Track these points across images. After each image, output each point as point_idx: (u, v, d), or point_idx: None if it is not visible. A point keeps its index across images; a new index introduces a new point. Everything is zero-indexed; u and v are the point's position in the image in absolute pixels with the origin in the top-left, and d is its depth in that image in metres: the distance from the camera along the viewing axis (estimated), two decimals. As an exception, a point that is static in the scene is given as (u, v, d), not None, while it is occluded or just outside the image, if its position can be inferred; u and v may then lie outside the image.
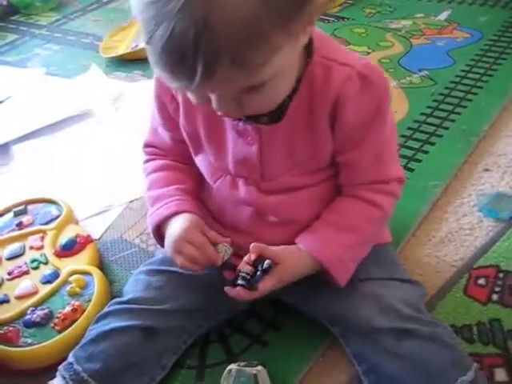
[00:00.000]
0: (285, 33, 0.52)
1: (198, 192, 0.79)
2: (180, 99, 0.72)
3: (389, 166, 0.73)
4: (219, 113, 0.61)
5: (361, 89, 0.64)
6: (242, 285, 0.67)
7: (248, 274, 0.67)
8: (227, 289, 0.68)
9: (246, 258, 0.68)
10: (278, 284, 0.68)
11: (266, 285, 0.67)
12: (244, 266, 0.68)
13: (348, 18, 1.73)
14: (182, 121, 0.74)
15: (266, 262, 0.67)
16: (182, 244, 0.70)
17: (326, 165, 0.72)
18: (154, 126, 0.81)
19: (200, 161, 0.76)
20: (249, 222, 0.75)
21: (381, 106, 0.67)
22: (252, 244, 0.68)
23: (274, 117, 0.66)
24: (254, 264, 0.68)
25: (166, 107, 0.75)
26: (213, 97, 0.58)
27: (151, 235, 0.79)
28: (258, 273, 0.67)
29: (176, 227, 0.71)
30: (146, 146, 0.82)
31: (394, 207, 0.75)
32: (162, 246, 0.76)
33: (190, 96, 0.62)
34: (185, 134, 0.75)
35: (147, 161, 0.81)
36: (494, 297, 0.82)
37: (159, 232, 0.75)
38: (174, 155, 0.80)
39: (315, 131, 0.68)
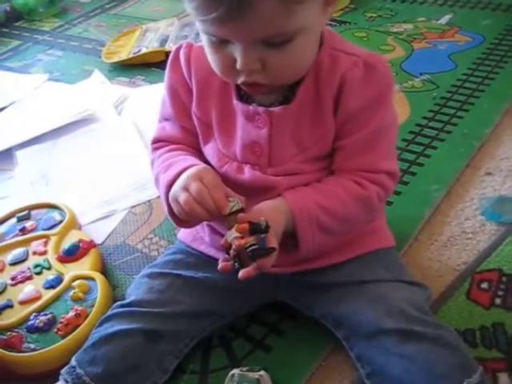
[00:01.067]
0: None
1: None
2: (194, 85, 0.73)
3: (381, 158, 0.72)
4: (241, 79, 0.63)
5: (365, 75, 0.67)
6: (259, 256, 0.61)
7: (255, 244, 0.61)
8: (244, 272, 0.62)
9: (235, 234, 0.62)
10: (276, 237, 0.65)
11: (269, 239, 0.63)
12: (243, 241, 0.62)
13: (349, 22, 1.74)
14: (194, 108, 0.75)
15: (261, 221, 0.62)
16: (192, 180, 0.65)
17: (328, 152, 0.72)
18: (162, 122, 0.81)
19: (209, 149, 0.76)
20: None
21: (383, 94, 0.69)
22: (238, 216, 0.64)
23: (284, 102, 0.69)
24: (251, 232, 0.62)
25: (179, 95, 0.76)
26: (239, 53, 0.60)
27: (163, 234, 0.76)
28: (262, 235, 0.62)
29: (188, 171, 0.67)
30: (154, 141, 0.82)
31: (381, 199, 0.73)
32: (174, 218, 0.72)
33: (213, 59, 0.64)
34: (196, 122, 0.76)
35: (156, 149, 0.79)
36: (497, 301, 0.81)
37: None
38: (184, 146, 0.79)
39: (321, 115, 0.69)
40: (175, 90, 0.76)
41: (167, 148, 0.78)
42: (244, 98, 0.72)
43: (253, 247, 0.61)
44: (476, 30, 1.59)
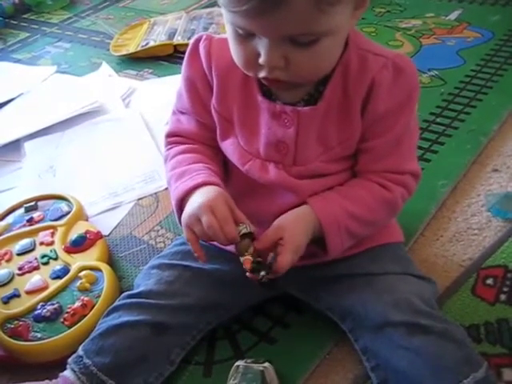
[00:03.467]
0: None
1: (222, 179, 0.75)
2: (215, 79, 0.72)
3: (406, 159, 0.73)
4: (264, 73, 0.62)
5: (394, 78, 0.67)
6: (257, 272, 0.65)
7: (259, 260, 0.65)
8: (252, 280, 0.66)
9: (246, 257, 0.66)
10: (294, 252, 0.67)
11: (284, 261, 0.65)
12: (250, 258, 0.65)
13: (358, 18, 1.73)
14: (214, 102, 0.74)
15: (269, 257, 0.66)
16: (204, 211, 0.65)
17: (353, 152, 0.73)
18: (177, 114, 0.80)
19: (228, 145, 0.75)
20: (273, 209, 0.73)
21: (411, 97, 0.70)
22: (253, 243, 0.66)
23: (310, 102, 0.69)
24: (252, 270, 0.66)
25: (196, 88, 0.75)
26: (263, 47, 0.59)
27: (170, 226, 0.77)
28: (269, 257, 0.65)
29: (202, 196, 0.67)
30: (169, 135, 0.81)
31: (404, 200, 0.75)
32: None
33: (237, 51, 0.64)
34: (216, 117, 0.75)
35: (170, 148, 0.79)
36: (502, 297, 0.81)
37: (182, 209, 0.71)
38: (199, 142, 0.78)
39: (348, 116, 0.69)
40: (193, 84, 0.75)
41: (182, 148, 0.77)
42: (268, 94, 0.71)
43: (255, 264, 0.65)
44: (485, 25, 1.58)
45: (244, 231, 0.66)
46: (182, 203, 0.71)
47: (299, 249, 0.68)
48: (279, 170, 0.72)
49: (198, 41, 0.74)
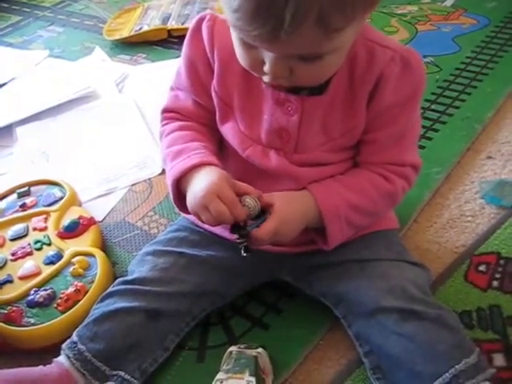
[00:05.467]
0: (364, 4, 0.55)
1: (218, 157, 0.74)
2: (216, 63, 0.71)
3: (407, 151, 0.74)
4: (267, 78, 0.63)
5: (402, 71, 0.67)
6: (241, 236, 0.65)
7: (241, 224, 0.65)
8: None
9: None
10: (279, 225, 0.66)
11: (265, 228, 0.65)
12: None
13: (353, 3, 1.71)
14: (215, 85, 0.73)
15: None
16: (211, 199, 0.64)
17: (355, 143, 0.73)
18: (175, 91, 0.79)
19: (228, 128, 0.75)
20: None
21: (416, 91, 0.70)
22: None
23: (314, 90, 0.68)
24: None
25: (196, 68, 0.74)
26: (269, 59, 0.59)
27: (163, 212, 0.76)
28: (251, 222, 0.65)
29: (203, 180, 0.66)
30: (166, 111, 0.80)
31: (405, 192, 0.75)
32: (179, 205, 0.72)
33: (242, 55, 0.63)
34: (216, 99, 0.74)
35: (166, 123, 0.78)
36: (494, 283, 0.82)
37: (178, 189, 0.70)
38: (195, 121, 0.77)
39: (353, 107, 0.69)
40: (193, 64, 0.74)
41: (178, 124, 0.76)
42: None
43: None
44: (481, 12, 1.57)
45: (253, 213, 0.65)
46: (178, 183, 0.70)
47: (285, 226, 0.67)
48: (280, 156, 0.72)
49: (201, 20, 0.73)
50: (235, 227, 0.65)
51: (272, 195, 0.69)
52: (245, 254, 0.66)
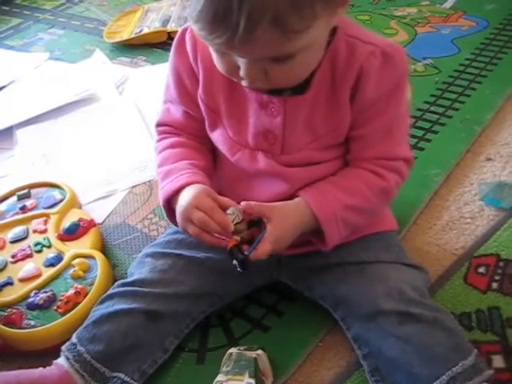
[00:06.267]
0: (326, 4, 0.55)
1: (210, 171, 0.78)
2: (201, 72, 0.73)
3: (397, 145, 0.73)
4: (244, 82, 0.63)
5: (383, 65, 0.67)
6: (237, 261, 0.66)
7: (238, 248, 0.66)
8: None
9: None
10: (277, 240, 0.67)
11: (262, 249, 0.66)
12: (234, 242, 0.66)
13: (353, 5, 1.72)
14: (201, 94, 0.74)
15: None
16: (191, 211, 0.67)
17: (342, 140, 0.73)
18: (166, 103, 0.80)
19: (217, 135, 0.76)
20: (264, 196, 0.74)
21: (399, 84, 0.70)
22: (242, 203, 0.67)
23: (297, 90, 0.68)
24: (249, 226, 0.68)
25: (182, 80, 0.75)
26: (242, 64, 0.60)
27: (163, 215, 0.77)
28: (246, 252, 0.66)
29: (185, 197, 0.69)
30: (159, 125, 0.82)
31: (398, 186, 0.75)
32: (173, 222, 0.74)
33: (218, 61, 0.64)
34: (203, 108, 0.75)
35: (159, 140, 0.80)
36: (494, 285, 0.82)
37: (170, 207, 0.73)
38: (187, 134, 0.79)
39: (336, 104, 0.69)
40: (179, 75, 0.75)
41: (170, 142, 0.78)
42: None
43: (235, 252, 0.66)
44: (480, 14, 1.57)
45: (236, 220, 0.67)
46: (169, 203, 0.73)
47: (281, 241, 0.68)
48: (268, 158, 0.73)
49: (184, 31, 0.74)
50: (231, 252, 0.66)
51: (268, 208, 0.68)
52: (241, 271, 0.67)
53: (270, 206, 0.69)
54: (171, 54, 0.76)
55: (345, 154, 0.74)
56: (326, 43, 0.66)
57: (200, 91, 0.74)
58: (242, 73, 0.61)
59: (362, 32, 0.70)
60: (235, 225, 0.67)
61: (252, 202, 0.68)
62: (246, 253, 0.66)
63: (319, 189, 0.72)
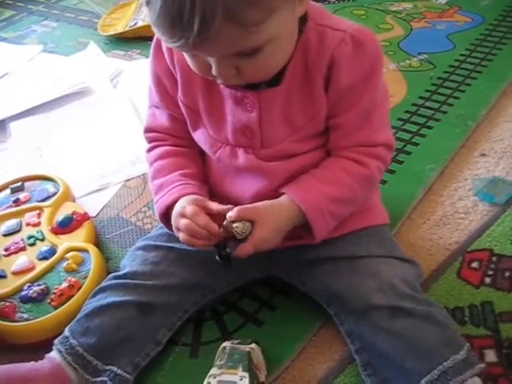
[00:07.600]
0: None
1: (202, 174, 0.79)
2: (178, 73, 0.73)
3: (377, 131, 0.73)
4: (219, 80, 0.64)
5: (354, 51, 0.66)
6: (221, 257, 0.69)
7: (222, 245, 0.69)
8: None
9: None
10: (261, 241, 0.68)
11: (242, 249, 0.67)
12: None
13: (348, 0, 1.72)
14: (180, 95, 0.74)
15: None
16: (177, 220, 0.70)
17: (322, 130, 0.72)
18: (151, 108, 0.81)
19: (199, 135, 0.77)
20: (248, 193, 0.75)
21: (373, 69, 0.69)
22: (228, 214, 0.68)
23: (272, 83, 0.68)
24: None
25: (163, 83, 0.76)
26: (213, 62, 0.60)
27: (157, 218, 0.79)
28: (228, 250, 0.68)
29: (176, 209, 0.72)
30: (146, 131, 0.83)
31: (381, 172, 0.75)
32: (168, 228, 0.76)
33: (190, 62, 0.64)
34: (183, 109, 0.75)
35: (149, 150, 0.81)
36: (487, 280, 0.82)
37: (167, 219, 0.75)
38: (173, 138, 0.80)
39: (311, 94, 0.69)
40: (159, 78, 0.76)
41: (159, 153, 0.79)
42: None
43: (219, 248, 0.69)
44: (475, 10, 1.57)
45: (246, 230, 0.68)
46: (165, 217, 0.75)
47: (267, 241, 0.69)
48: (248, 154, 0.73)
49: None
50: (216, 248, 0.69)
51: (252, 211, 0.68)
52: (223, 267, 0.69)
53: (253, 209, 0.69)
54: (150, 58, 0.77)
55: (325, 143, 0.74)
56: (297, 33, 0.66)
57: (179, 93, 0.74)
58: (213, 71, 0.61)
59: (333, 19, 0.69)
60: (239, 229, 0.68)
61: (236, 208, 0.68)
62: (227, 250, 0.68)
63: (302, 183, 0.72)
